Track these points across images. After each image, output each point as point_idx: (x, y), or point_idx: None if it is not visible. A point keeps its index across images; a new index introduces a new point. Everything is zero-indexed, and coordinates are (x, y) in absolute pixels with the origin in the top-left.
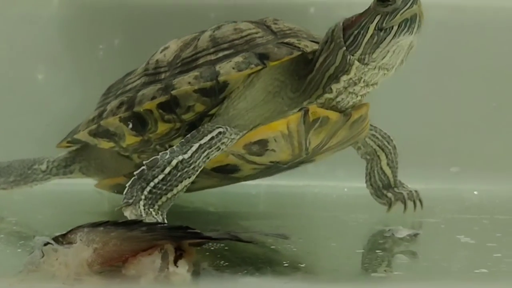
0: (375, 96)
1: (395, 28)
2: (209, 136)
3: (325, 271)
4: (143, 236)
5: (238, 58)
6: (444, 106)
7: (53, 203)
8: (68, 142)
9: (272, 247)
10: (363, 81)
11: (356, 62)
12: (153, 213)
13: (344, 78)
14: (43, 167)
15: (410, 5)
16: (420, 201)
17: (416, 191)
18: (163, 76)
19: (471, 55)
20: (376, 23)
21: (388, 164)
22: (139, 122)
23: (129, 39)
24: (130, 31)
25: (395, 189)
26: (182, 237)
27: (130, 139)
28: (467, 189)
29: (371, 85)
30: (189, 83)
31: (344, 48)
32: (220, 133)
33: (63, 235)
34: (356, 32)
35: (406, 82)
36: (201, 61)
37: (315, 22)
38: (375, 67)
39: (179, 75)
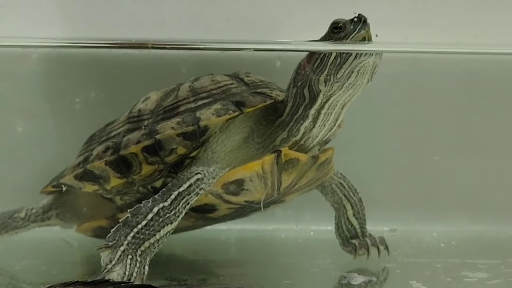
0: (339, 139)
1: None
2: (187, 184)
3: None
4: None
5: (217, 105)
6: (402, 149)
7: (30, 252)
8: (53, 186)
9: None
10: (328, 106)
11: (322, 85)
12: (128, 261)
13: (312, 111)
14: (22, 214)
15: (358, 30)
16: (386, 247)
17: (381, 237)
18: (146, 123)
19: (426, 104)
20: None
21: (354, 215)
22: (124, 165)
23: (104, 92)
24: (105, 85)
25: (361, 238)
26: None
27: (115, 181)
28: (427, 230)
29: (336, 110)
30: (173, 128)
31: (311, 73)
32: (198, 179)
33: None
34: (322, 54)
35: (366, 127)
36: (182, 108)
37: (281, 74)
38: (341, 87)
39: (162, 122)
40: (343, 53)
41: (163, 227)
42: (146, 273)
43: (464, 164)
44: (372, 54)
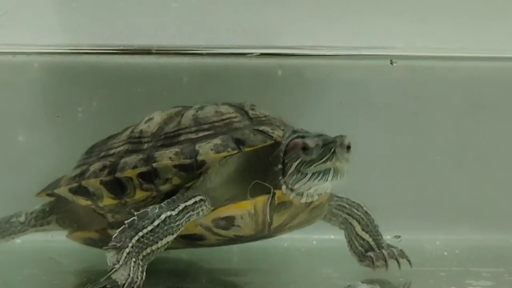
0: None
1: (309, 175)
2: (193, 200)
3: None
4: None
5: (217, 141)
6: (404, 158)
7: (31, 263)
8: (47, 194)
9: None
10: (296, 194)
11: (284, 186)
12: (132, 264)
13: (283, 187)
14: (22, 219)
15: (325, 160)
16: (408, 259)
17: (400, 250)
18: (145, 146)
19: (429, 113)
20: (297, 164)
21: (363, 230)
22: (119, 187)
23: (106, 101)
24: (107, 94)
25: (377, 250)
26: None
27: (108, 201)
28: (429, 239)
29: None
30: (170, 158)
31: (280, 167)
32: (201, 200)
33: None
34: (286, 160)
35: (369, 136)
36: (182, 137)
37: (283, 83)
38: (300, 194)
39: (161, 149)
40: (299, 172)
41: (166, 236)
42: (143, 278)
43: (466, 173)
44: (326, 181)
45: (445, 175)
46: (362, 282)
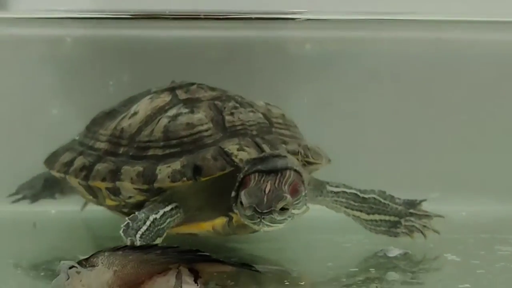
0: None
1: (248, 222)
2: (170, 207)
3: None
4: (158, 259)
5: (177, 165)
6: (425, 130)
7: (67, 228)
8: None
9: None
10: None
11: (237, 211)
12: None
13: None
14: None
15: (253, 223)
16: (437, 215)
17: (422, 213)
18: (121, 150)
19: (451, 84)
20: (239, 206)
21: (369, 213)
22: (92, 192)
23: (136, 75)
24: (137, 68)
25: (403, 221)
26: (192, 259)
27: (88, 198)
28: (455, 210)
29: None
30: (131, 179)
31: (234, 194)
32: (177, 207)
33: (86, 259)
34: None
35: (393, 107)
36: (150, 152)
37: (311, 57)
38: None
39: (129, 162)
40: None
41: (157, 237)
42: None
43: (491, 144)
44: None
45: (470, 147)
46: (394, 246)
